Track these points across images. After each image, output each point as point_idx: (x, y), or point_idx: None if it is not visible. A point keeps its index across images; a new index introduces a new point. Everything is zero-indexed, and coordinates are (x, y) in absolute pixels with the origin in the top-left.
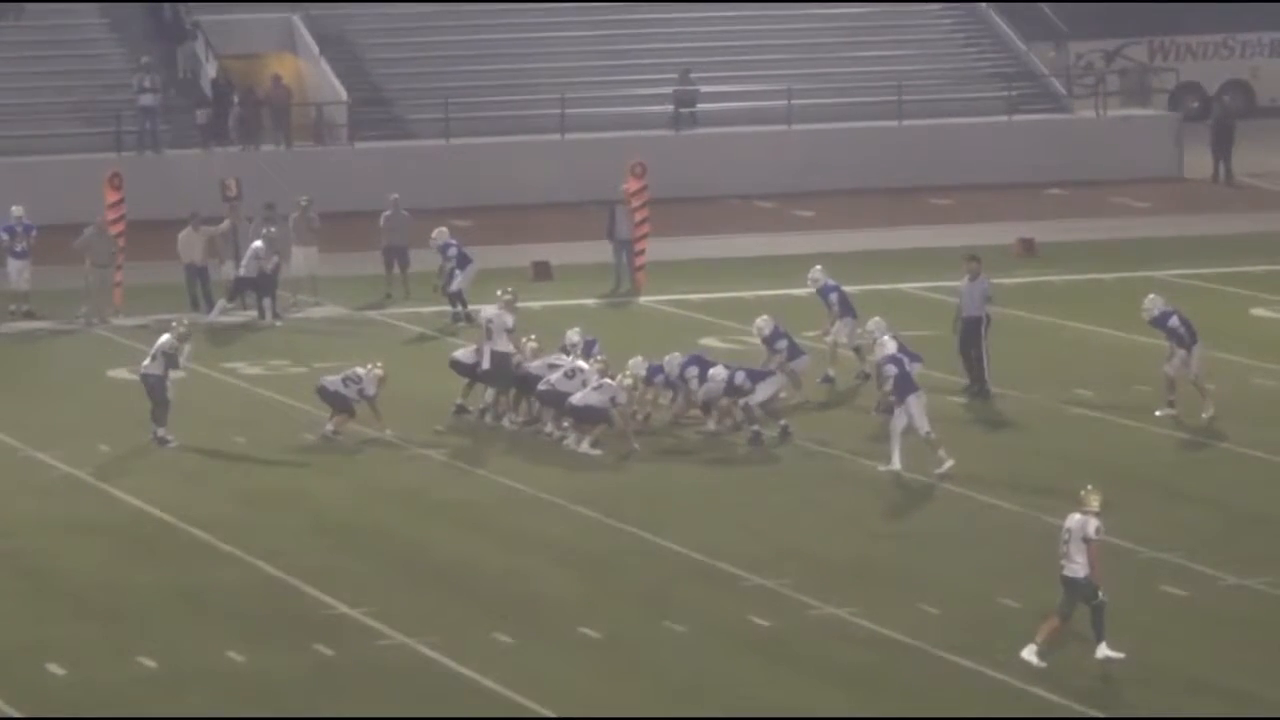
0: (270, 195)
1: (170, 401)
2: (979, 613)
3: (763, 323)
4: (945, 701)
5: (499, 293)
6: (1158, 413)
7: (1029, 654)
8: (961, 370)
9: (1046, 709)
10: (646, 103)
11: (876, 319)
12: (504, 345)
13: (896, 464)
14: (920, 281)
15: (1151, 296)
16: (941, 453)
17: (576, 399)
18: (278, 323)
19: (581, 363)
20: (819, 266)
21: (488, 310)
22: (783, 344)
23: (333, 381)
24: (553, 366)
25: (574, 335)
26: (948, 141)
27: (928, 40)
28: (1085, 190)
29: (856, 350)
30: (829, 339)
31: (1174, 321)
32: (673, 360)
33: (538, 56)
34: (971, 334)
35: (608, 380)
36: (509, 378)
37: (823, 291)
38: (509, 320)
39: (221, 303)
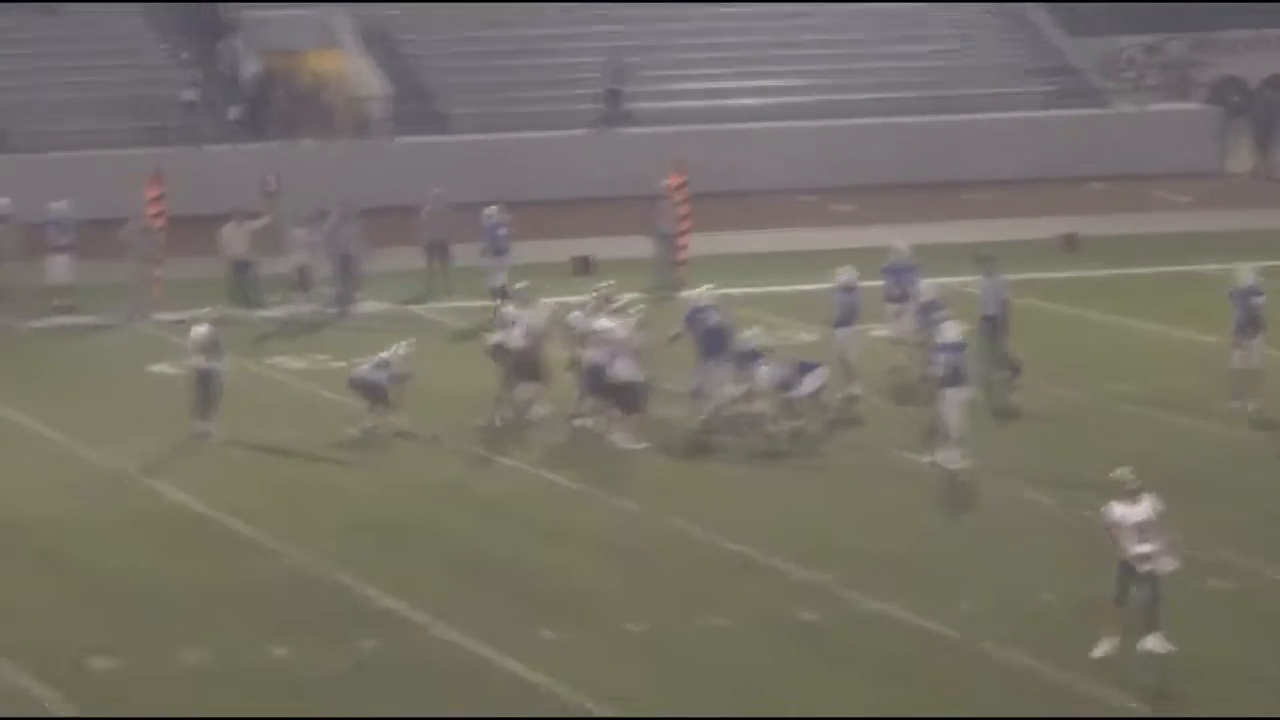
0: (311, 191)
1: (220, 394)
2: (1022, 607)
3: (842, 272)
4: (988, 696)
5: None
6: (1234, 405)
7: (1154, 643)
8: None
9: (1093, 704)
10: (687, 97)
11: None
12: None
13: (952, 457)
14: (962, 276)
15: (1242, 265)
16: (955, 452)
17: (617, 372)
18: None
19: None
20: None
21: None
22: (845, 299)
23: (363, 369)
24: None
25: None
26: (988, 136)
27: (968, 35)
28: (1126, 185)
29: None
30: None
31: (1258, 301)
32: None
33: (578, 51)
34: (988, 331)
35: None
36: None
37: (897, 272)
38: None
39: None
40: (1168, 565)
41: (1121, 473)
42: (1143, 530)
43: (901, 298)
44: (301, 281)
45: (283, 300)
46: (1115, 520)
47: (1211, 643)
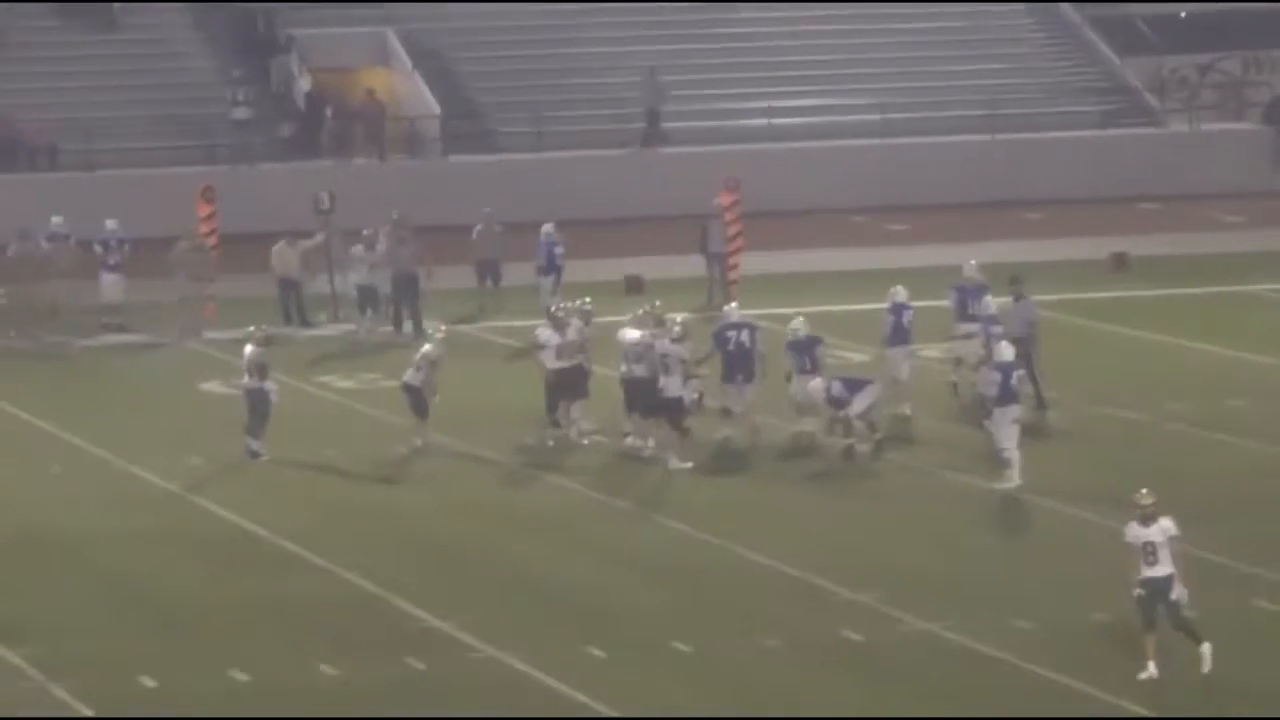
0: (363, 210)
1: (270, 413)
2: (1070, 627)
3: (894, 292)
4: (1037, 717)
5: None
6: None
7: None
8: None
9: None
10: (740, 116)
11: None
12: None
13: (1006, 476)
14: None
15: None
16: (1010, 471)
17: (664, 388)
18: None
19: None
20: (899, 286)
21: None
22: (892, 319)
23: (410, 374)
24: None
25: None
26: (1041, 155)
27: (1021, 54)
28: (1178, 205)
29: (958, 361)
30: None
31: None
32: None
33: (630, 70)
34: (1020, 354)
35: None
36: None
37: (965, 291)
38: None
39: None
40: (1174, 593)
41: (1139, 494)
42: (1149, 553)
43: (970, 318)
44: (362, 301)
45: (330, 319)
46: (1127, 541)
47: (1258, 664)
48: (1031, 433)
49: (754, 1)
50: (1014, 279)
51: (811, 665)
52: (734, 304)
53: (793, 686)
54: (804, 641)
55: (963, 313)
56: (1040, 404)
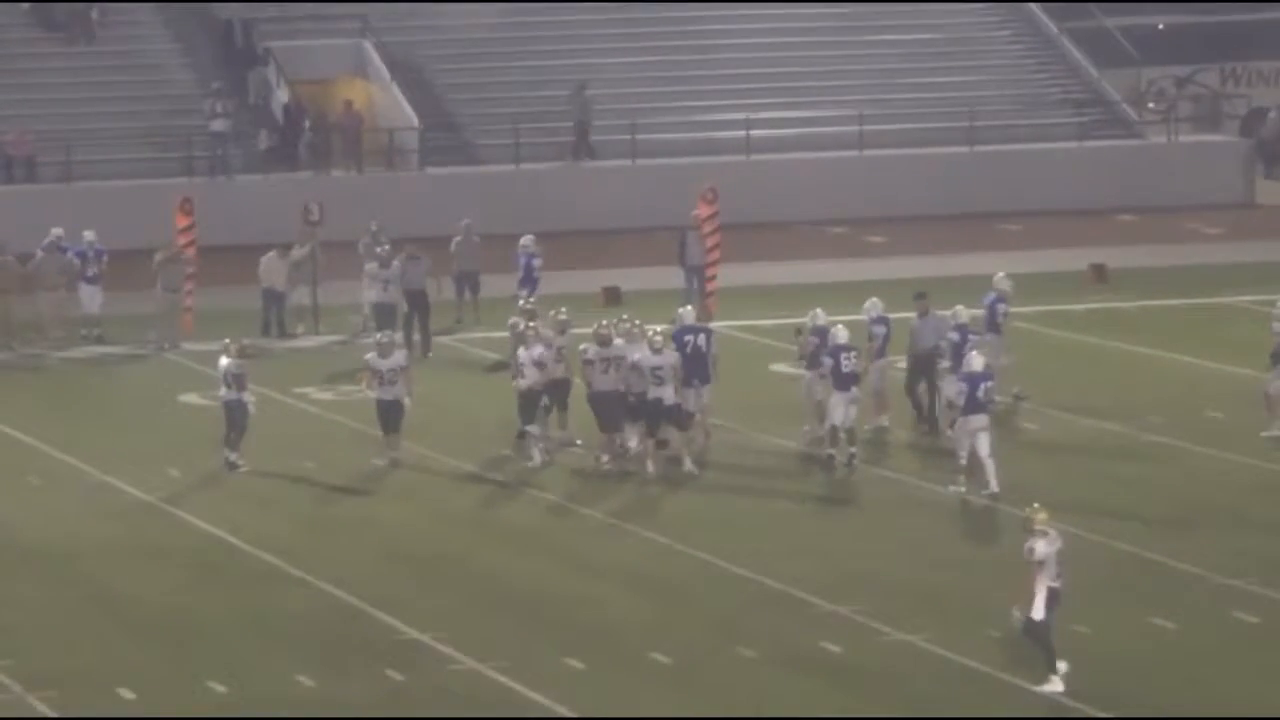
0: (342, 221)
1: (248, 425)
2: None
3: (871, 305)
4: None
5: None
6: (1264, 434)
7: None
8: (910, 408)
9: None
10: (719, 128)
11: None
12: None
13: (992, 486)
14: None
15: None
16: (962, 476)
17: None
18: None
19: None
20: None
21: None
22: (881, 330)
23: (384, 390)
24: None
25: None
26: (1019, 167)
27: (999, 66)
28: (1157, 216)
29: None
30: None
31: None
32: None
33: (608, 82)
34: (923, 369)
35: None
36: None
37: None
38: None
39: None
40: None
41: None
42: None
43: (996, 328)
44: (379, 319)
45: (309, 331)
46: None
47: (1236, 676)
48: (1010, 443)
49: (736, 2)
50: (919, 294)
51: (790, 676)
52: (688, 307)
53: (772, 698)
54: (783, 653)
55: (991, 323)
56: (931, 425)
